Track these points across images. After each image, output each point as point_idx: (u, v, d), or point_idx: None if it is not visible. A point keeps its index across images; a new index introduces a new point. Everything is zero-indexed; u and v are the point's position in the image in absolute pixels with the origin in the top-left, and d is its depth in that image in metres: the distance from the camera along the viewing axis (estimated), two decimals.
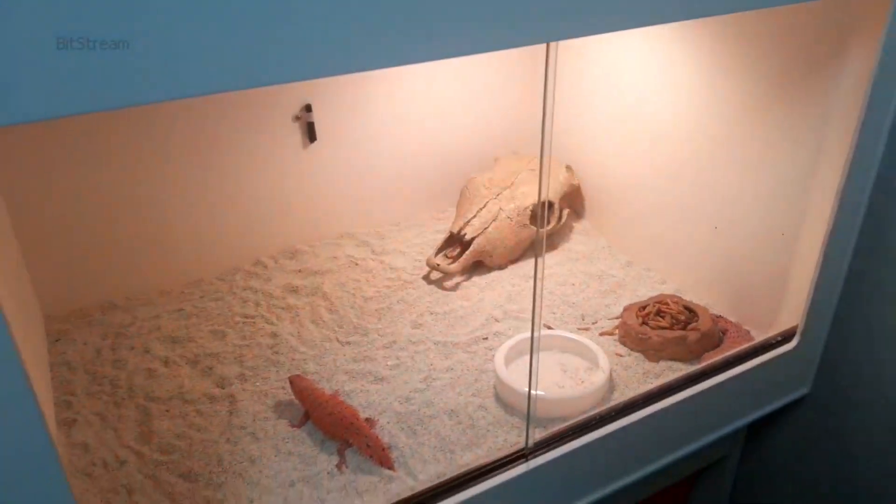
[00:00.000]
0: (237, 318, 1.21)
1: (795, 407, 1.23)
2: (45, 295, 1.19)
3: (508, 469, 0.86)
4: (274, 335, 1.17)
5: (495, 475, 0.85)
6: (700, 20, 1.13)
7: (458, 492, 0.83)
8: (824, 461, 1.23)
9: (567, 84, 1.45)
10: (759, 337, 1.14)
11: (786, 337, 1.10)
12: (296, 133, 1.30)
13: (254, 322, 1.20)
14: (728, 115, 1.13)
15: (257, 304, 1.24)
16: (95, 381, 1.07)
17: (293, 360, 1.12)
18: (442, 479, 0.85)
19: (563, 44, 1.50)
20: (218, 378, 1.08)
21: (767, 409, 1.15)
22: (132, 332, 1.17)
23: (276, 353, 1.13)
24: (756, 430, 1.33)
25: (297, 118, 1.29)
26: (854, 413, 1.14)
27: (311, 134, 1.31)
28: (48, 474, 0.53)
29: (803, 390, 1.17)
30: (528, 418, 0.88)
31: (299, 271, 1.33)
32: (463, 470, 0.87)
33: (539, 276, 0.86)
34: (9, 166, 1.10)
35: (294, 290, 1.28)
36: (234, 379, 1.07)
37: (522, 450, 0.87)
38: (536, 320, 0.88)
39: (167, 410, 1.01)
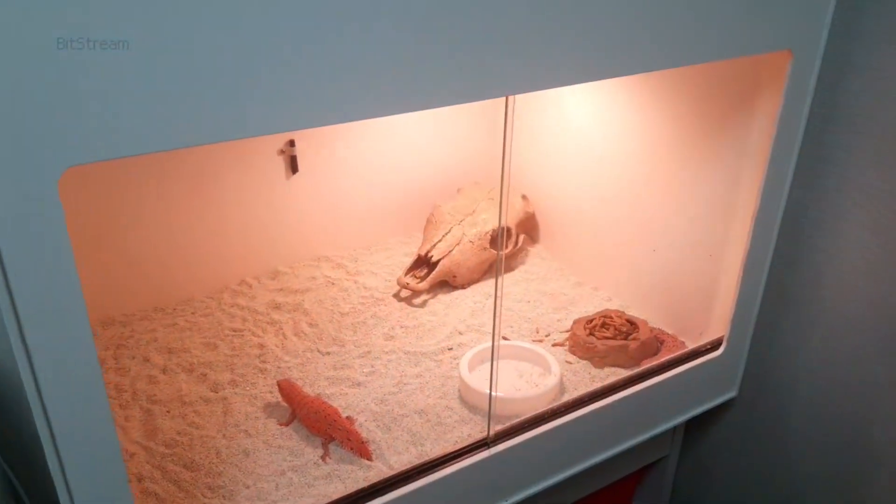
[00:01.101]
0: (227, 332, 1.33)
1: (725, 409, 1.40)
2: None
3: (473, 455, 1.00)
4: (260, 346, 1.29)
5: (461, 460, 0.99)
6: None
7: (429, 474, 0.97)
8: (752, 458, 1.40)
9: (523, 122, 1.63)
10: (696, 346, 1.31)
11: (714, 345, 1.27)
12: (280, 165, 1.45)
13: (242, 335, 1.32)
14: (660, 152, 1.32)
15: (244, 320, 1.37)
16: None
17: (278, 367, 1.24)
18: (414, 464, 0.99)
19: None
20: (212, 383, 1.20)
21: (699, 409, 1.31)
22: (132, 343, 1.28)
23: (263, 361, 1.26)
24: (692, 432, 1.50)
25: (281, 152, 1.44)
26: (776, 413, 1.32)
27: (293, 166, 1.45)
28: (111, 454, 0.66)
29: (731, 393, 1.34)
30: (490, 410, 1.03)
31: (281, 290, 1.47)
32: (433, 456, 1.01)
33: (499, 292, 1.02)
34: None
35: (277, 307, 1.41)
36: (227, 384, 1.20)
37: (485, 438, 1.02)
38: (497, 329, 1.03)
39: (168, 411, 1.13)
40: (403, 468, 0.99)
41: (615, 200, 1.44)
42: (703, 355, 1.26)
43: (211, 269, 1.45)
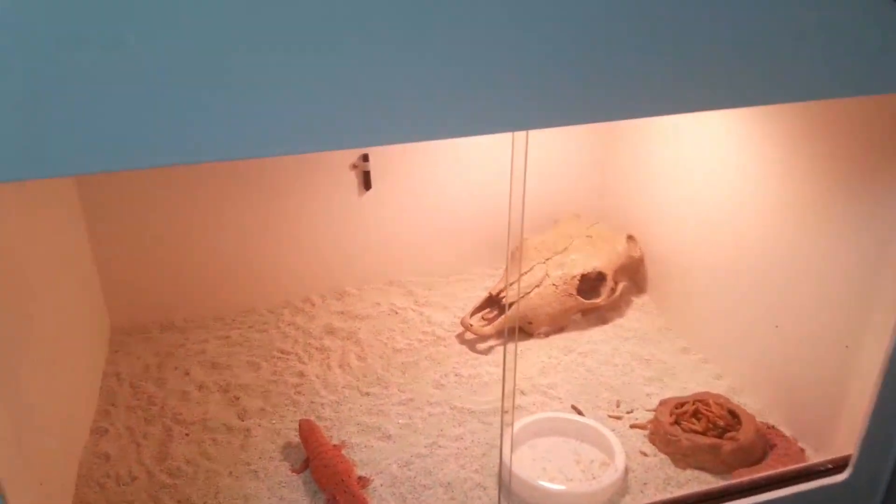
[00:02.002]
0: (274, 353, 1.27)
1: None
2: (116, 308, 1.32)
3: None
4: (301, 374, 1.21)
5: None
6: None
7: None
8: None
9: (638, 150, 1.39)
10: (814, 458, 1.02)
11: (838, 466, 0.97)
12: (352, 180, 1.35)
13: (287, 358, 1.25)
14: (795, 205, 1.03)
15: (295, 342, 1.29)
16: (136, 395, 1.16)
17: (312, 402, 1.15)
18: None
19: None
20: (241, 410, 1.13)
21: None
22: (180, 353, 1.26)
23: (299, 393, 1.17)
24: None
25: (354, 166, 1.34)
26: None
27: (366, 182, 1.35)
28: None
29: None
30: None
31: (342, 313, 1.37)
32: None
33: (511, 365, 0.83)
34: (96, 194, 1.23)
35: (332, 332, 1.32)
36: (255, 413, 1.12)
37: None
38: (507, 407, 0.84)
39: (187, 434, 1.08)
40: None
41: (738, 257, 1.16)
42: (821, 476, 0.96)
43: (277, 282, 1.39)
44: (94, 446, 1.04)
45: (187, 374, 1.21)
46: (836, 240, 0.97)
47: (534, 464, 1.03)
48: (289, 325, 1.34)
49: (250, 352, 1.27)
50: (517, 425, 1.06)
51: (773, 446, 1.06)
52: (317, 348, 1.28)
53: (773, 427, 1.09)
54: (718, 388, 1.18)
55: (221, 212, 1.31)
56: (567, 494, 0.96)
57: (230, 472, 1.01)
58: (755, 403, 1.15)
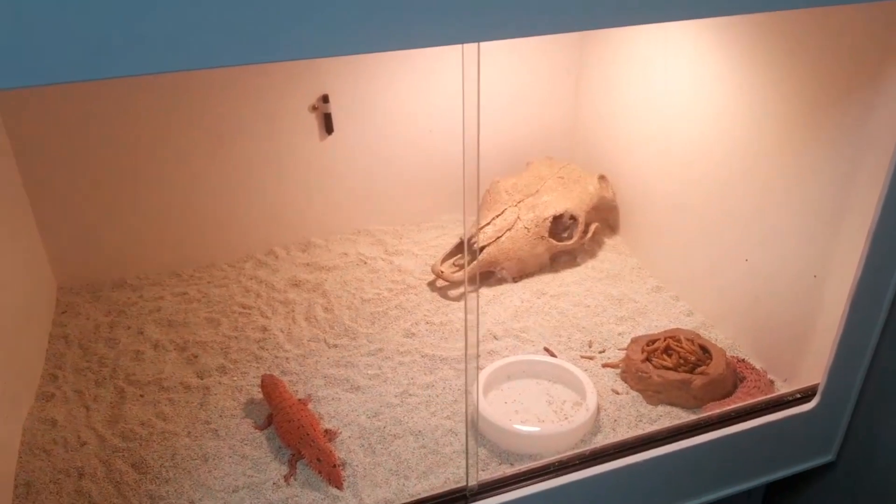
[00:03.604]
0: (235, 308, 1.21)
1: (817, 476, 1.08)
2: (63, 268, 1.25)
3: None
4: (264, 329, 1.16)
5: None
6: (740, 29, 1.00)
7: None
8: None
9: (611, 89, 1.34)
10: (783, 389, 1.01)
11: (805, 395, 0.96)
12: (312, 123, 1.28)
13: (249, 313, 1.20)
14: (763, 137, 1.00)
15: (258, 296, 1.24)
16: (86, 357, 1.10)
17: (276, 357, 1.10)
18: None
19: (602, 46, 1.38)
20: (199, 368, 1.08)
21: (775, 476, 1.00)
22: (133, 311, 1.20)
23: (262, 348, 1.12)
24: (776, 496, 1.18)
25: (313, 108, 1.27)
26: (887, 489, 0.99)
27: (328, 125, 1.28)
28: None
29: (826, 458, 1.02)
30: (467, 455, 0.82)
31: (308, 265, 1.32)
32: (406, 501, 0.82)
33: (474, 307, 0.79)
34: (31, 138, 1.14)
35: (297, 285, 1.27)
36: (215, 371, 1.07)
37: (463, 490, 0.81)
38: (471, 354, 0.81)
39: (142, 395, 1.03)
40: None
41: (707, 192, 1.13)
42: (789, 406, 0.95)
43: (237, 235, 1.33)
44: (40, 412, 0.99)
45: (141, 333, 1.15)
46: (807, 166, 0.94)
47: (506, 407, 1.00)
48: (251, 279, 1.29)
49: (209, 308, 1.21)
50: (489, 369, 1.03)
51: (743, 379, 1.05)
52: (281, 302, 1.22)
53: (743, 360, 1.08)
54: (690, 324, 1.17)
55: (176, 160, 1.23)
56: (538, 436, 0.94)
57: (188, 433, 0.97)
58: (726, 338, 1.13)
